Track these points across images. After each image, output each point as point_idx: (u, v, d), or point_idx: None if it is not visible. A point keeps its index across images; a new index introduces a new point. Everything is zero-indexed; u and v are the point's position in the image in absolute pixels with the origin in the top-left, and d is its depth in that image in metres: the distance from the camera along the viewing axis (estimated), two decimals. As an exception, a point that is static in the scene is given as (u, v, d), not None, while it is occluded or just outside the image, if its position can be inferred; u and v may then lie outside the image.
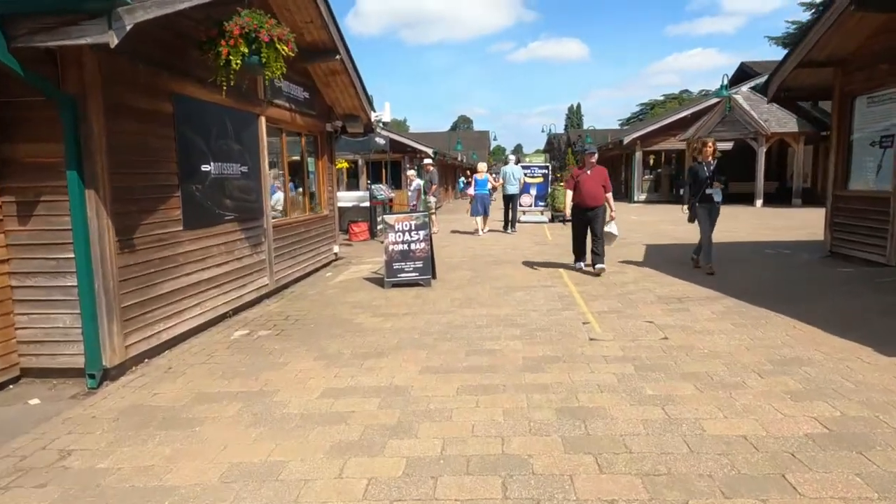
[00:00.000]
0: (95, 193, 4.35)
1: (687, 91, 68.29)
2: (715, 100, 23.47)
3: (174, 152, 5.39)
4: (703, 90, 55.40)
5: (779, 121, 21.07)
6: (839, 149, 8.70)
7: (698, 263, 8.26)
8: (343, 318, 6.25)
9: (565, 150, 31.45)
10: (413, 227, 7.94)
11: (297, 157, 9.23)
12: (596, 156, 8.22)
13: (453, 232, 15.55)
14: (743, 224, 14.82)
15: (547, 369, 4.39)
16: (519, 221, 16.69)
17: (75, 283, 4.42)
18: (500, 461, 3.01)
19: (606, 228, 8.11)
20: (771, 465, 2.83)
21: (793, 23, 42.44)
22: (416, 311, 6.48)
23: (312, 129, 9.41)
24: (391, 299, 7.13)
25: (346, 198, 15.56)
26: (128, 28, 3.76)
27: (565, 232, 13.94)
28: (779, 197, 22.75)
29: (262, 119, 7.24)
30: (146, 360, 4.99)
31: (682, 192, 24.24)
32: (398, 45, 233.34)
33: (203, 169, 5.86)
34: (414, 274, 7.91)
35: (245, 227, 6.75)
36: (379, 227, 11.95)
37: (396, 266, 7.91)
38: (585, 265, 8.51)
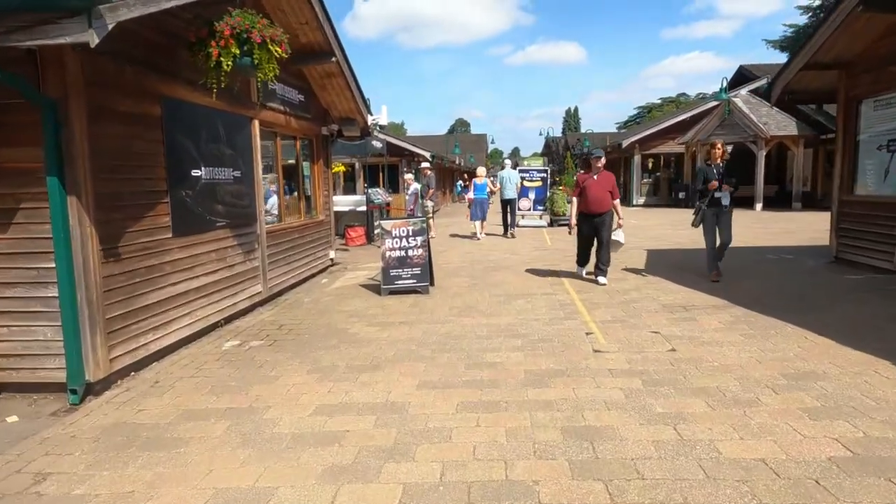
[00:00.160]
0: (77, 200, 4.15)
1: (684, 94, 68.38)
2: (714, 103, 23.39)
3: (163, 157, 5.19)
4: (700, 93, 55.41)
5: (778, 124, 20.96)
6: (845, 153, 8.54)
7: (716, 276, 7.67)
8: (338, 328, 6.06)
9: (564, 153, 31.33)
10: (410, 233, 7.75)
11: (292, 161, 9.03)
12: (603, 160, 7.87)
13: (451, 236, 15.38)
14: (743, 229, 14.64)
15: (550, 384, 4.19)
16: (517, 226, 16.56)
17: (57, 294, 4.22)
18: (503, 488, 2.81)
19: (613, 236, 7.86)
20: (795, 495, 2.64)
21: (790, 26, 42.54)
22: (413, 320, 6.29)
23: (308, 133, 9.22)
24: (388, 307, 6.93)
25: (343, 202, 15.38)
26: (109, 27, 3.57)
27: (565, 236, 13.78)
28: (778, 201, 22.62)
29: (256, 122, 7.05)
30: (132, 373, 4.78)
31: (681, 195, 24.30)
32: (395, 49, 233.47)
33: (193, 174, 5.66)
34: (411, 281, 7.71)
35: (238, 233, 6.55)
36: (376, 232, 11.76)
37: (393, 273, 7.72)
38: (587, 273, 8.28)
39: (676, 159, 26.71)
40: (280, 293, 7.82)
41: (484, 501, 2.71)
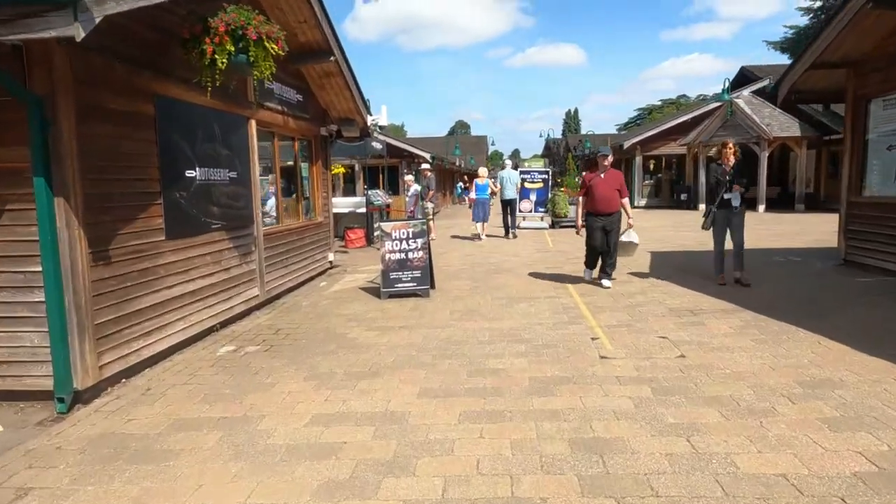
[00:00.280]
0: (65, 202, 3.99)
1: (684, 96, 68.26)
2: (716, 104, 23.23)
3: (156, 157, 5.04)
4: (700, 95, 55.34)
5: (781, 125, 20.80)
6: (853, 153, 8.38)
7: (744, 280, 7.38)
8: (336, 333, 5.90)
9: (565, 154, 31.18)
10: (410, 235, 7.60)
11: (290, 163, 8.88)
12: (610, 158, 7.62)
13: (452, 237, 15.23)
14: (748, 230, 14.38)
15: (556, 392, 4.03)
16: (518, 227, 16.42)
17: (44, 299, 4.06)
18: (509, 506, 2.65)
19: (625, 238, 7.60)
20: (820, 514, 2.49)
21: (791, 27, 42.49)
22: (413, 324, 6.13)
23: (306, 133, 9.07)
24: (387, 311, 6.77)
25: (343, 204, 15.24)
26: (96, 20, 3.42)
27: (567, 238, 13.66)
28: (781, 202, 22.47)
29: (253, 122, 6.90)
30: (123, 380, 4.62)
31: (683, 197, 24.14)
32: (395, 51, 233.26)
33: (188, 175, 5.51)
34: (411, 284, 7.55)
35: (234, 235, 6.40)
36: (376, 234, 11.60)
37: (393, 276, 7.56)
38: (593, 278, 7.99)
39: (678, 161, 26.57)
40: (278, 296, 7.66)
41: (489, 521, 2.55)
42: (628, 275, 8.45)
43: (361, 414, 3.80)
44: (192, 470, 3.14)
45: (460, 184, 40.29)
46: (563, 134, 67.62)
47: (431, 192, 14.62)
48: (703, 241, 10.71)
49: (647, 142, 26.16)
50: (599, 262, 7.86)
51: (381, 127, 14.60)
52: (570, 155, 27.55)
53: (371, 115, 10.68)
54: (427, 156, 22.35)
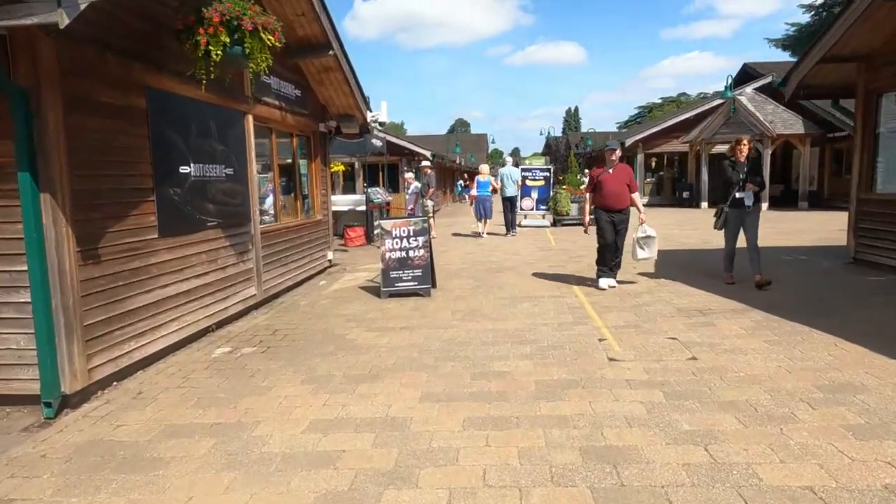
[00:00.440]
0: (52, 198, 3.82)
1: (685, 94, 68.06)
2: (718, 101, 23.03)
3: (148, 152, 4.87)
4: (700, 93, 55.06)
5: (784, 122, 20.62)
6: (864, 150, 8.19)
7: (763, 281, 6.92)
8: (335, 333, 5.73)
9: (566, 152, 30.99)
10: (411, 233, 7.42)
11: (288, 160, 8.70)
12: (618, 152, 7.39)
13: (453, 235, 15.06)
14: (752, 228, 14.33)
15: (564, 396, 3.87)
16: (520, 225, 16.25)
17: (30, 299, 3.90)
18: (518, 522, 2.49)
19: (642, 234, 7.36)
20: (853, 531, 2.32)
21: (793, 25, 42.29)
22: (414, 324, 5.96)
23: (305, 129, 8.89)
24: (388, 311, 6.60)
25: (342, 201, 15.07)
26: (82, 7, 3.24)
27: (569, 236, 13.49)
28: (784, 200, 22.28)
29: (250, 117, 6.72)
30: (114, 383, 4.46)
31: (685, 195, 23.93)
32: (395, 49, 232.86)
33: (182, 170, 5.34)
34: (412, 283, 7.38)
35: (230, 233, 6.23)
36: (375, 232, 11.42)
37: (394, 275, 7.39)
38: (610, 286, 7.37)
39: (680, 158, 26.36)
40: (276, 296, 7.49)
41: (497, 538, 2.39)
42: (634, 273, 8.28)
43: (361, 420, 3.63)
44: (182, 481, 2.98)
45: (461, 182, 40.13)
46: (564, 132, 67.39)
47: (431, 190, 14.45)
48: (708, 239, 10.54)
49: (648, 139, 25.95)
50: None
51: (381, 123, 14.44)
52: (571, 152, 27.34)
53: (371, 111, 10.50)
54: (427, 153, 22.16)
